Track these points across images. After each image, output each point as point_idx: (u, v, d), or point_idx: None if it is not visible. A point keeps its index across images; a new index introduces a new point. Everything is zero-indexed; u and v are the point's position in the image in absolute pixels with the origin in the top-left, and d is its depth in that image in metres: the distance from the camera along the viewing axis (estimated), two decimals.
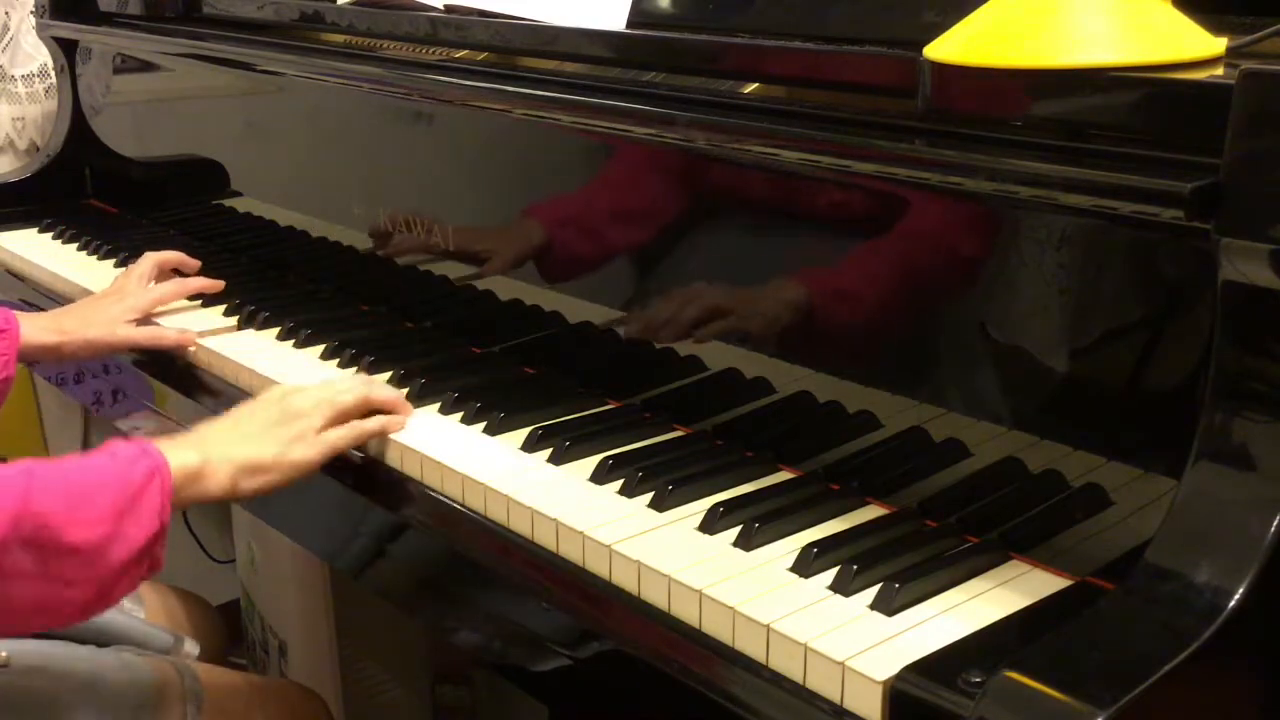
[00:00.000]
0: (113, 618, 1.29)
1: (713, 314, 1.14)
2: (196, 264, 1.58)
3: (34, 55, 2.16)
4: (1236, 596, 0.74)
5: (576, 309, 1.27)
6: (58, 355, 1.42)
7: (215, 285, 1.54)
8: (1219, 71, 0.83)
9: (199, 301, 1.56)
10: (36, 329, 1.40)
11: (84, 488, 0.95)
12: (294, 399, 1.12)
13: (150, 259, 1.53)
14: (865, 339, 1.06)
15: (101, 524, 0.94)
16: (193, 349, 1.44)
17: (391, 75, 1.44)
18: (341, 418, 1.13)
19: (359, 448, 1.18)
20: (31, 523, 0.91)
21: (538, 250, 1.31)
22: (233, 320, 1.51)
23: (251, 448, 1.07)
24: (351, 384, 1.17)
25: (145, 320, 1.47)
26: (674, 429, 1.16)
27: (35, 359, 1.43)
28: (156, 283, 1.52)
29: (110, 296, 1.49)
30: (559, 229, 1.30)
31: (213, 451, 1.05)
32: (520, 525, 1.03)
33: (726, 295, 1.13)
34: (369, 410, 1.16)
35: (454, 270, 1.41)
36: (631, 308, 1.21)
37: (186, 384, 1.42)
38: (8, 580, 0.91)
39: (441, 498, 1.10)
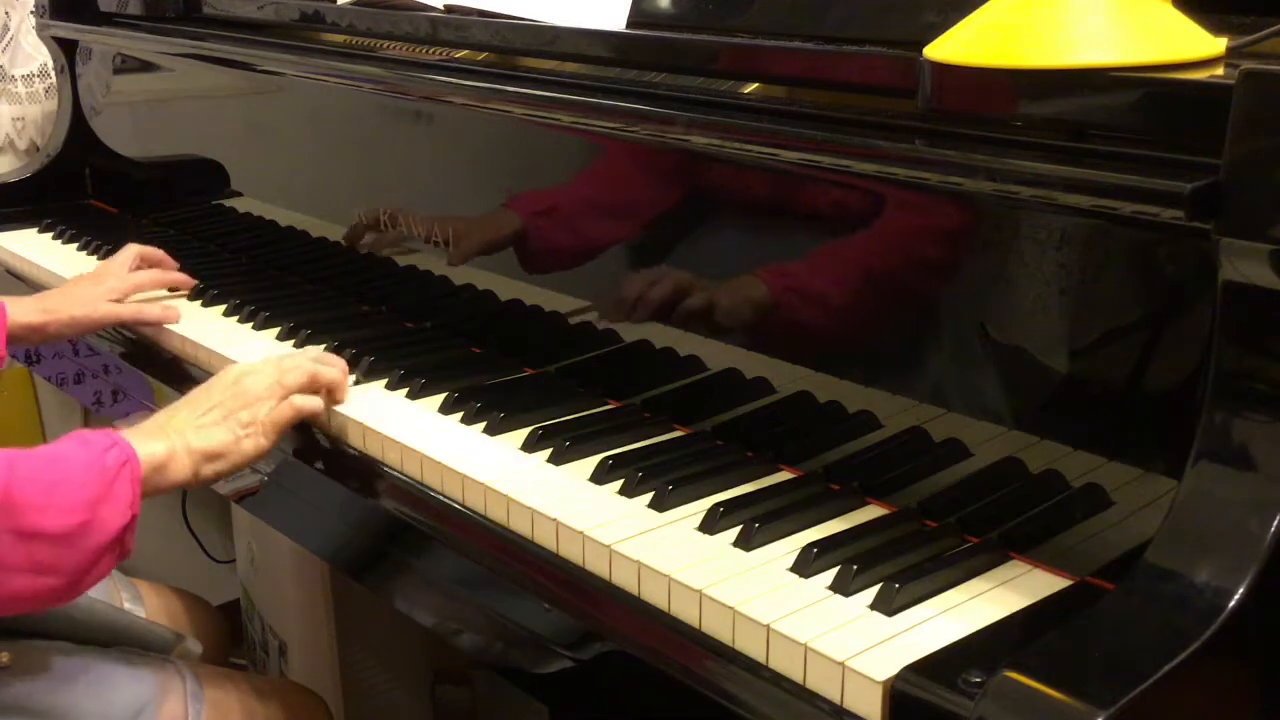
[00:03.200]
0: (114, 617, 1.29)
1: (713, 313, 1.14)
2: (174, 264, 1.62)
3: (34, 55, 2.17)
4: (1236, 596, 0.73)
5: (577, 309, 1.27)
6: (43, 334, 1.47)
7: (190, 281, 1.59)
8: (1219, 71, 0.83)
9: (200, 301, 1.57)
10: (21, 310, 1.45)
11: (60, 476, 0.97)
12: (247, 382, 1.15)
13: (133, 248, 1.58)
14: (866, 339, 1.06)
15: (78, 511, 0.96)
16: (168, 340, 1.48)
17: (391, 75, 1.44)
18: (290, 395, 1.17)
19: (362, 448, 1.18)
20: (15, 511, 0.93)
21: (535, 248, 1.31)
22: (233, 320, 1.51)
23: (211, 436, 1.11)
24: (299, 363, 1.20)
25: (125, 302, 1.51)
26: (674, 429, 1.16)
27: (22, 340, 1.47)
28: (137, 271, 1.57)
29: (92, 278, 1.54)
30: (558, 227, 1.30)
31: (176, 441, 1.08)
32: (520, 525, 1.03)
33: (726, 294, 1.13)
34: (317, 389, 1.20)
35: (454, 270, 1.41)
36: (632, 307, 1.21)
37: (187, 384, 1.42)
38: None
39: (441, 498, 1.10)
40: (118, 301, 1.50)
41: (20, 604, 0.98)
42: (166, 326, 1.49)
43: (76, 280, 1.56)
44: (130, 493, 1.01)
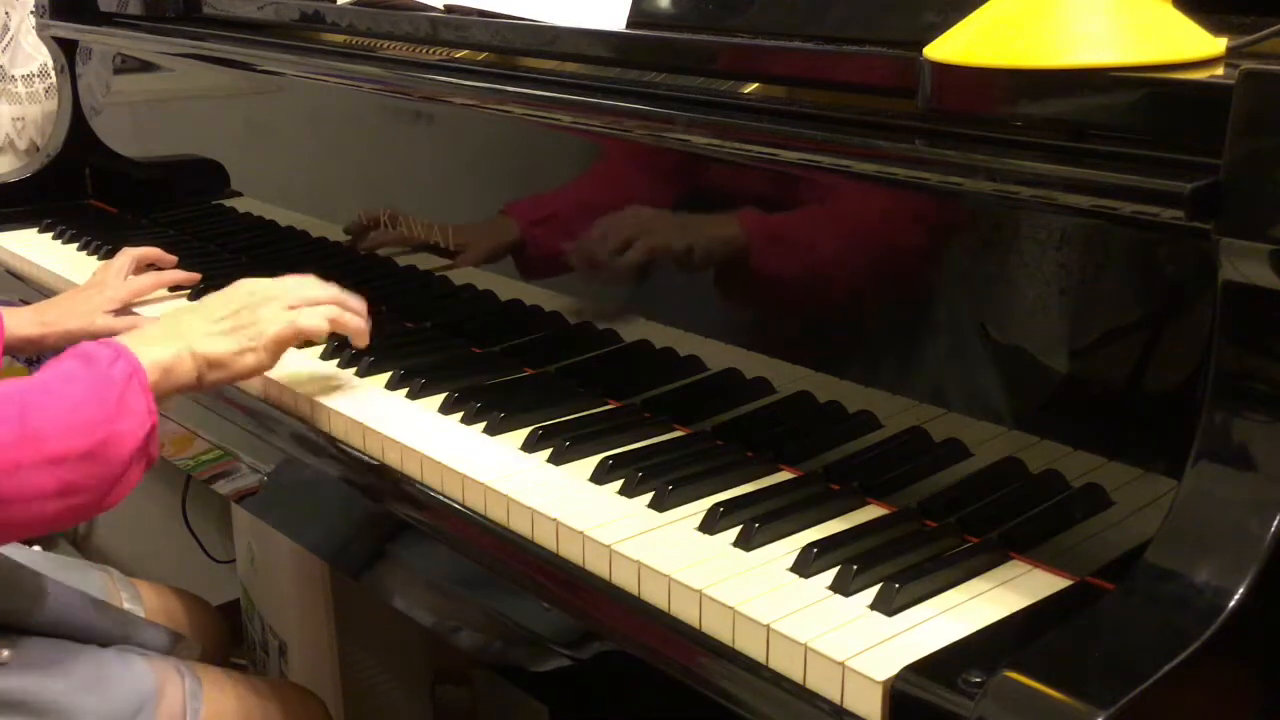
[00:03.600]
0: (113, 617, 1.29)
1: (713, 312, 1.14)
2: (173, 259, 1.64)
3: (34, 55, 2.17)
4: (1236, 596, 0.74)
5: (577, 309, 1.27)
6: (40, 347, 1.48)
7: (192, 278, 1.60)
8: (1219, 71, 0.83)
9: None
10: (20, 322, 1.45)
11: (72, 398, 0.99)
12: (262, 309, 1.18)
13: (128, 254, 1.58)
14: (866, 339, 1.06)
15: (96, 429, 0.98)
16: None
17: (391, 75, 1.44)
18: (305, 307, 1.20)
19: (361, 448, 1.18)
20: (34, 441, 0.95)
21: (535, 249, 1.31)
22: None
23: (214, 344, 1.13)
24: (318, 295, 1.22)
25: (124, 311, 1.52)
26: (674, 429, 1.16)
27: (20, 351, 1.50)
28: (135, 276, 1.57)
29: (90, 289, 1.54)
30: (558, 228, 1.30)
31: (181, 344, 1.11)
32: (520, 525, 1.03)
33: (726, 294, 1.13)
34: (336, 326, 1.23)
35: (454, 270, 1.41)
36: (633, 307, 1.21)
37: None
38: (29, 503, 0.95)
39: (441, 498, 1.10)
40: (116, 310, 1.50)
41: (54, 524, 1.00)
42: None
43: (75, 291, 1.56)
44: (143, 401, 1.02)
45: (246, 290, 1.19)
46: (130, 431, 1.00)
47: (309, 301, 1.21)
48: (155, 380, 1.06)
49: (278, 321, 1.17)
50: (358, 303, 1.25)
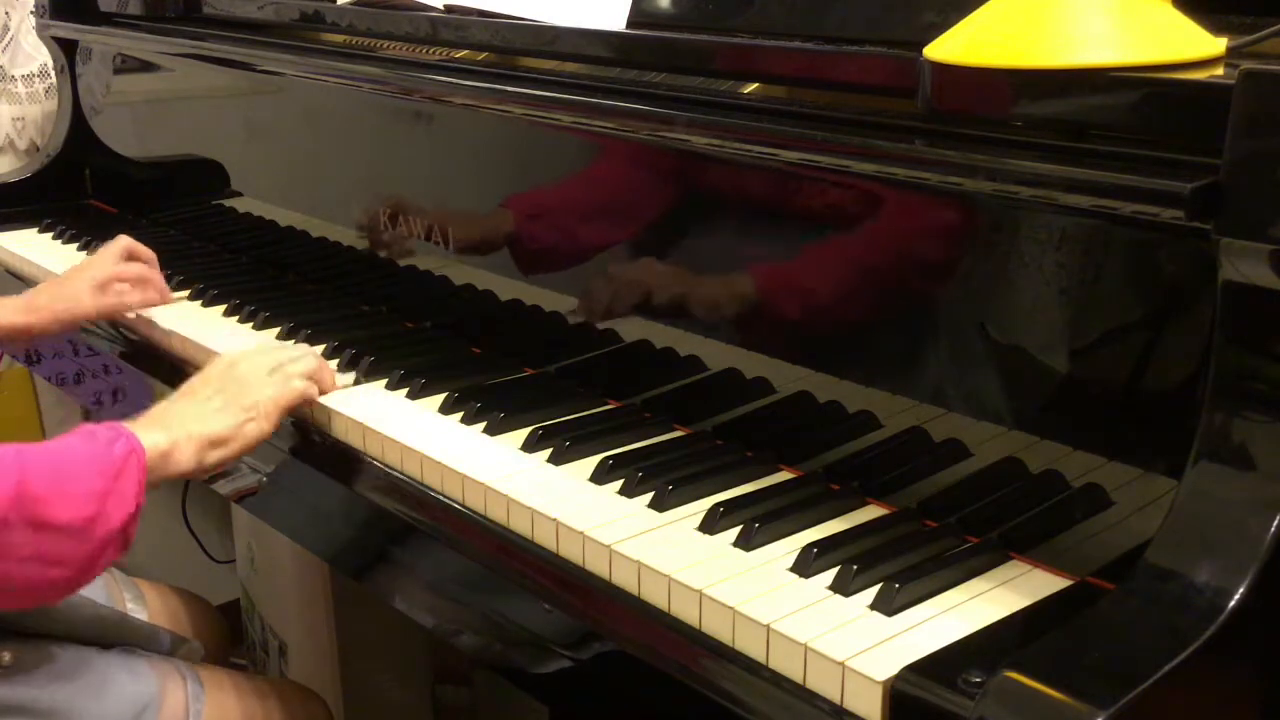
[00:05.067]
0: (115, 618, 1.29)
1: (713, 312, 1.14)
2: (155, 262, 1.58)
3: (34, 55, 2.16)
4: (1236, 596, 0.74)
5: (577, 309, 1.27)
6: (30, 334, 1.48)
7: (168, 294, 1.56)
8: (1219, 71, 0.83)
9: (200, 301, 1.57)
10: (8, 311, 1.46)
11: (70, 468, 0.99)
12: (244, 367, 1.17)
13: (122, 240, 1.56)
14: (866, 339, 1.06)
15: (89, 503, 0.98)
16: (168, 340, 1.49)
17: (391, 75, 1.44)
18: (291, 379, 1.19)
19: (362, 448, 1.18)
20: (29, 503, 0.94)
21: (534, 248, 1.31)
22: (233, 320, 1.51)
23: (213, 423, 1.12)
24: (302, 357, 1.23)
25: (107, 292, 1.51)
26: (674, 429, 1.16)
27: (11, 340, 1.49)
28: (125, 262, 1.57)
29: (77, 271, 1.53)
30: (557, 227, 1.30)
31: (178, 431, 1.09)
32: (520, 525, 1.03)
33: (726, 294, 1.13)
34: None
35: (454, 270, 1.41)
36: (632, 307, 1.21)
37: None
38: (6, 560, 0.94)
39: (441, 498, 1.10)
40: (101, 293, 1.50)
41: (28, 595, 1.00)
42: (166, 327, 1.49)
43: (63, 275, 1.57)
44: (136, 484, 1.02)
45: (225, 364, 1.19)
46: (116, 512, 0.99)
47: (289, 359, 1.22)
48: (153, 464, 1.05)
49: (273, 385, 1.17)
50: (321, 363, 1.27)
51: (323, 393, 1.24)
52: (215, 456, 1.12)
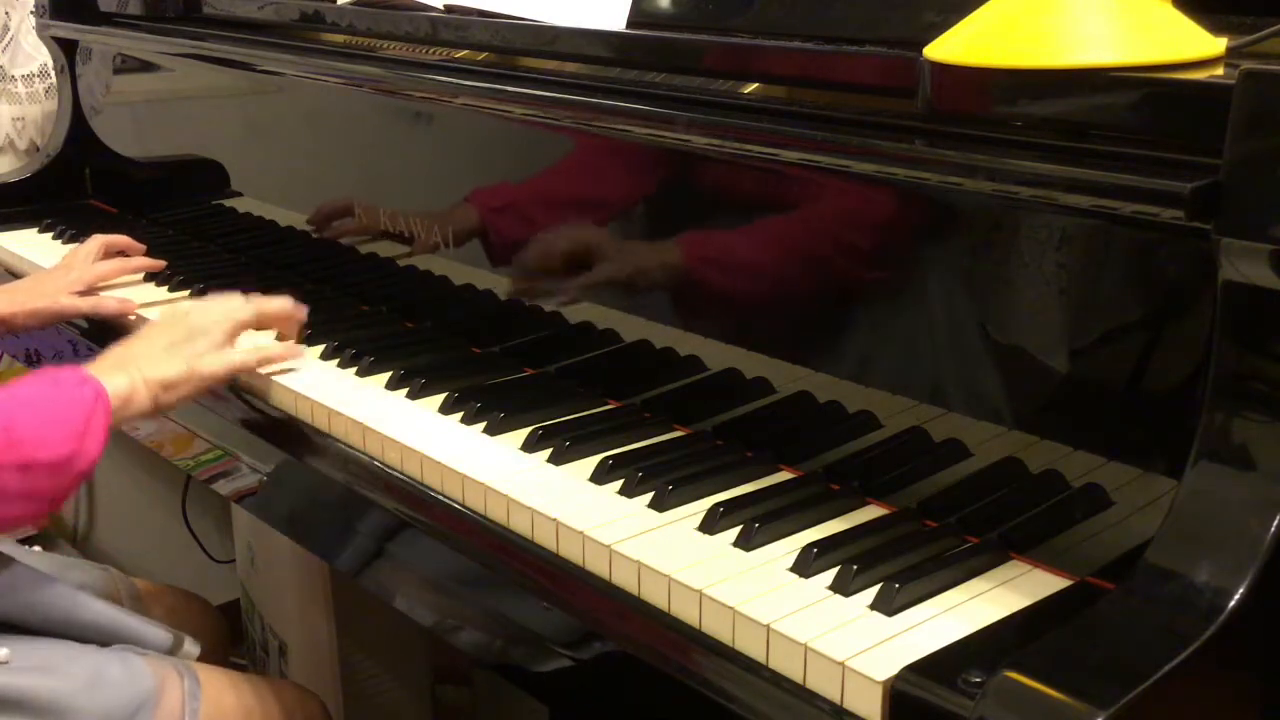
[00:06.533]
0: (113, 616, 1.29)
1: (712, 312, 1.14)
2: (142, 247, 1.68)
3: (34, 55, 2.16)
4: (1236, 596, 0.74)
5: (576, 308, 1.27)
6: (9, 328, 1.53)
7: (156, 265, 1.66)
8: (1219, 71, 0.83)
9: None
10: None
11: (49, 410, 1.07)
12: (195, 317, 1.25)
13: (98, 239, 1.64)
14: (866, 339, 1.06)
15: (68, 442, 1.06)
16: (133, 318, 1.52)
17: (391, 75, 1.44)
18: (239, 330, 1.27)
19: (361, 448, 1.18)
20: (16, 445, 1.02)
21: (534, 247, 1.31)
22: None
23: (166, 366, 1.19)
24: (248, 302, 1.30)
25: (88, 293, 1.57)
26: (674, 429, 1.16)
27: None
28: (102, 261, 1.62)
29: (57, 271, 1.61)
30: (556, 226, 1.30)
31: (135, 374, 1.16)
32: (520, 525, 1.03)
33: (725, 294, 1.13)
34: (264, 325, 1.33)
35: (454, 270, 1.41)
36: (633, 307, 1.21)
37: None
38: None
39: (441, 498, 1.10)
40: (81, 293, 1.55)
41: (7, 527, 1.09)
42: None
43: (43, 273, 1.62)
44: (105, 424, 1.10)
45: (182, 311, 1.27)
46: (91, 448, 1.07)
47: (245, 315, 1.28)
48: (116, 406, 1.12)
49: (219, 328, 1.24)
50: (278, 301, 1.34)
51: (288, 356, 1.32)
52: (169, 398, 1.19)
